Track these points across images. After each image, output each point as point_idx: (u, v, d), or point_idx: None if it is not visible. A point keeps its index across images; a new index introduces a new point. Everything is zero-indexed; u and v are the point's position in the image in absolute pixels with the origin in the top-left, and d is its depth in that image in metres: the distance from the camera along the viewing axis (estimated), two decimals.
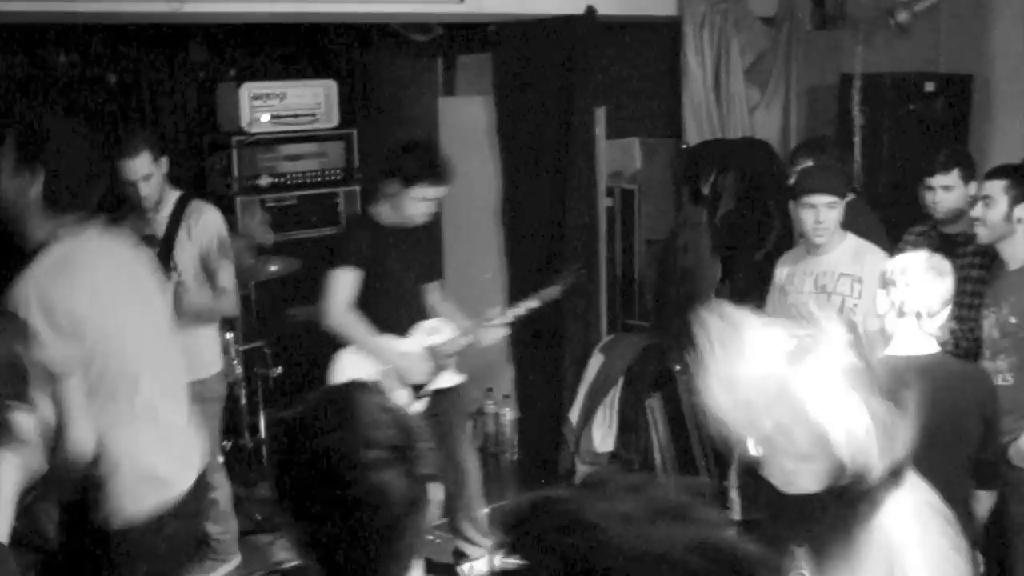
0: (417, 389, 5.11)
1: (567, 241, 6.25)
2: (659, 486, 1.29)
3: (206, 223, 5.14)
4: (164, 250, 5.01)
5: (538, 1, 6.16)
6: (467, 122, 7.10)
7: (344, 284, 4.92)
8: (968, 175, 4.94)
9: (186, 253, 5.08)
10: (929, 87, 6.38)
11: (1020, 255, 4.49)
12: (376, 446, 1.87)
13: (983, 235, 4.49)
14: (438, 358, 5.11)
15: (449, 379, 5.22)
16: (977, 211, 4.47)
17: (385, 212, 5.01)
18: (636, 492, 1.28)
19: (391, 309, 5.02)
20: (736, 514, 5.86)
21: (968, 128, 6.52)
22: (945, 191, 4.90)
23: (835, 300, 4.64)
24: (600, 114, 6.53)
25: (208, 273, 5.11)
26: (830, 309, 4.62)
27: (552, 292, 5.39)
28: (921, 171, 4.99)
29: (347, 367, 4.97)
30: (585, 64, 6.22)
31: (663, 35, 6.91)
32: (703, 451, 6.12)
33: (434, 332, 5.15)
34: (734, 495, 5.86)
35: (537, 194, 6.44)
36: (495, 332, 5.26)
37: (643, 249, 7.14)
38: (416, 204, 4.92)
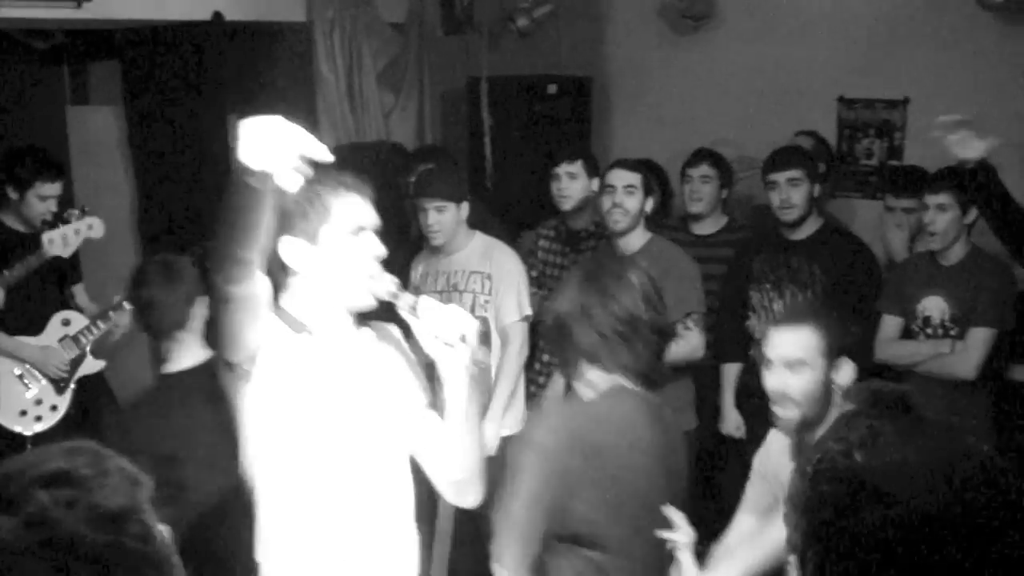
0: (60, 382, 5.22)
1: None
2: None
3: None
4: None
5: (164, 6, 5.99)
6: (98, 132, 6.86)
7: None
8: (592, 169, 5.24)
9: None
10: (552, 89, 6.70)
11: (631, 245, 4.81)
12: None
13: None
14: (74, 347, 5.23)
15: (90, 366, 5.34)
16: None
17: (11, 220, 5.18)
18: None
19: (21, 311, 5.07)
20: None
21: (590, 127, 6.89)
22: (570, 178, 5.17)
23: (467, 298, 4.79)
24: (233, 121, 6.46)
25: None
26: (462, 306, 4.78)
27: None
28: (549, 165, 5.25)
29: None
30: (215, 70, 6.15)
31: (295, 40, 6.91)
32: None
33: (67, 323, 5.28)
34: None
35: (172, 203, 6.31)
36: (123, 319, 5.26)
37: None
38: (38, 205, 5.09)
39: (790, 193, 4.77)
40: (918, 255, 4.81)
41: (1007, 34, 5.56)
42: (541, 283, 5.19)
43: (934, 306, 4.57)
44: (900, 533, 1.31)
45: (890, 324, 4.67)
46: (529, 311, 4.86)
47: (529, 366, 5.05)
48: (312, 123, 6.76)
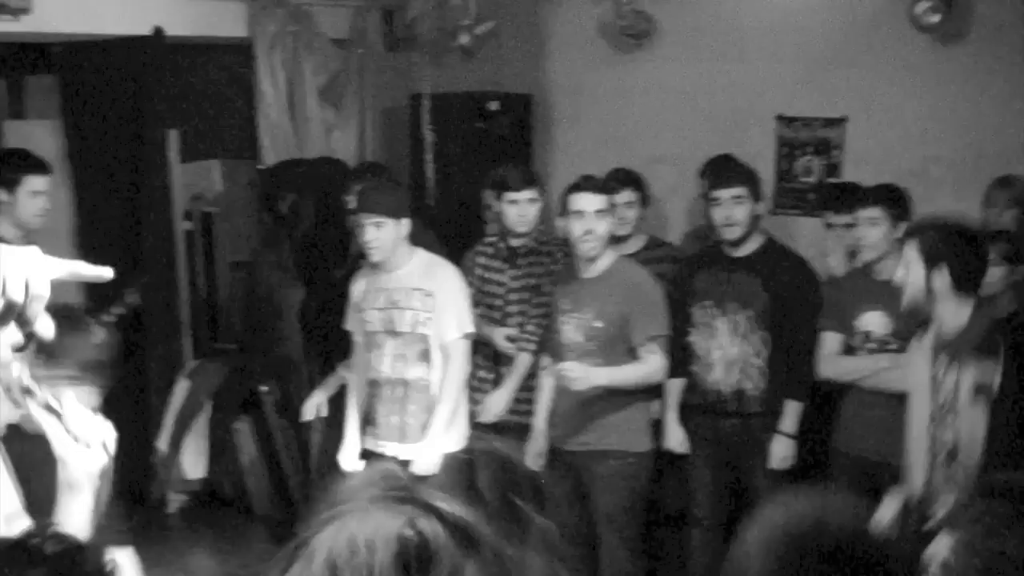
0: None
1: (143, 265, 6.09)
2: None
3: None
4: None
5: (103, 21, 5.94)
6: (36, 147, 6.74)
7: None
8: (542, 190, 5.26)
9: None
10: (493, 106, 6.72)
11: (597, 266, 4.78)
12: None
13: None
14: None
15: None
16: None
17: (5, 228, 5.02)
18: None
19: None
20: None
21: (531, 144, 6.92)
22: (531, 203, 5.17)
23: (407, 315, 4.77)
24: (173, 136, 6.43)
25: None
26: (402, 324, 4.78)
27: (132, 297, 5.52)
28: (502, 187, 5.21)
29: None
30: (155, 86, 6.10)
31: (236, 56, 6.89)
32: (294, 467, 6.15)
33: None
34: None
35: (111, 219, 6.25)
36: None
37: (227, 271, 7.08)
38: (30, 203, 5.02)
39: (733, 211, 4.79)
40: (854, 271, 4.86)
41: (942, 54, 5.65)
42: (478, 300, 5.19)
43: (873, 321, 4.63)
44: None
45: (831, 340, 4.71)
46: (471, 328, 4.86)
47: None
48: (252, 139, 6.74)
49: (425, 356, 4.80)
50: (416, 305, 4.78)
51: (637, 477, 4.80)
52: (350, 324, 5.03)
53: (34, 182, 5.00)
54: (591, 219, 4.67)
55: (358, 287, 4.98)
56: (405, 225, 4.76)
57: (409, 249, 4.84)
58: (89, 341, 3.12)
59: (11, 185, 4.96)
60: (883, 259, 4.59)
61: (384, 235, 4.71)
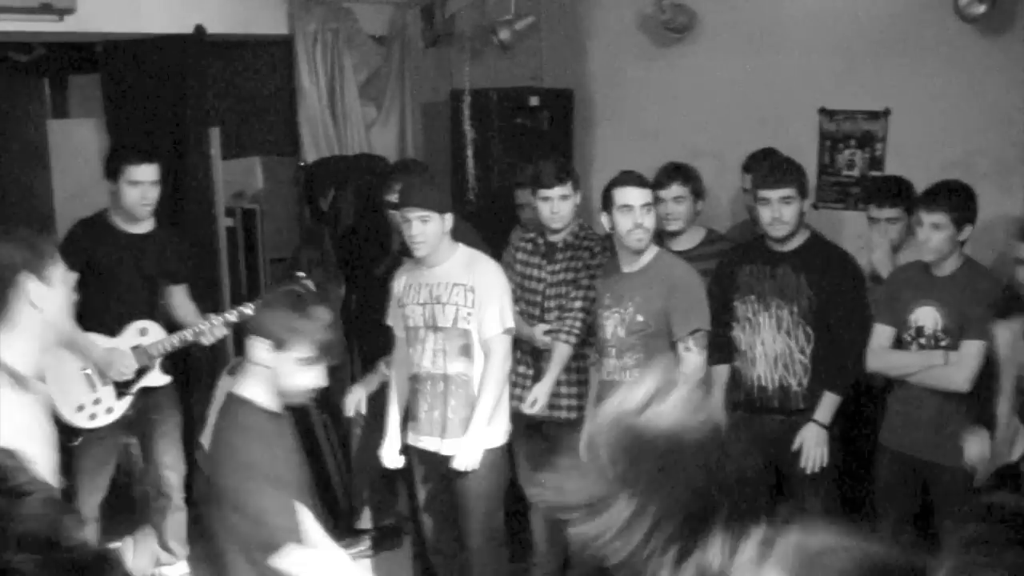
0: (122, 387, 5.30)
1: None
2: None
3: None
4: None
5: (145, 20, 5.99)
6: (79, 145, 6.85)
7: None
8: (577, 185, 5.24)
9: None
10: (534, 101, 6.71)
11: (639, 260, 4.80)
12: None
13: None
14: (144, 357, 5.31)
15: (155, 379, 5.42)
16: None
17: (119, 220, 5.35)
18: None
19: (104, 307, 5.17)
20: (367, 523, 5.99)
21: (572, 139, 6.90)
22: (563, 200, 5.15)
23: (449, 310, 4.78)
24: (214, 134, 6.46)
25: None
26: (444, 319, 4.78)
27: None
28: (537, 183, 5.20)
29: None
30: (196, 83, 6.14)
31: (276, 53, 6.91)
32: (335, 463, 6.17)
33: (144, 332, 5.35)
34: (366, 509, 6.00)
35: (154, 216, 6.28)
36: (215, 332, 5.37)
37: (268, 268, 7.11)
38: (130, 192, 5.27)
39: (783, 211, 4.75)
40: (910, 265, 4.78)
41: (987, 45, 5.58)
42: (518, 296, 5.19)
43: (927, 316, 4.57)
44: None
45: (882, 333, 4.67)
46: (512, 323, 4.86)
47: None
48: (293, 136, 6.77)
49: (466, 351, 4.80)
50: (458, 300, 4.78)
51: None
52: (391, 319, 5.05)
53: (132, 172, 5.26)
54: (639, 213, 4.70)
55: (400, 282, 4.99)
56: (449, 220, 4.77)
57: (451, 244, 4.84)
58: (319, 323, 3.36)
59: (114, 175, 5.29)
60: (945, 259, 4.54)
61: (429, 230, 4.72)
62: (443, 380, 4.82)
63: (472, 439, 4.77)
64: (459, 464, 4.75)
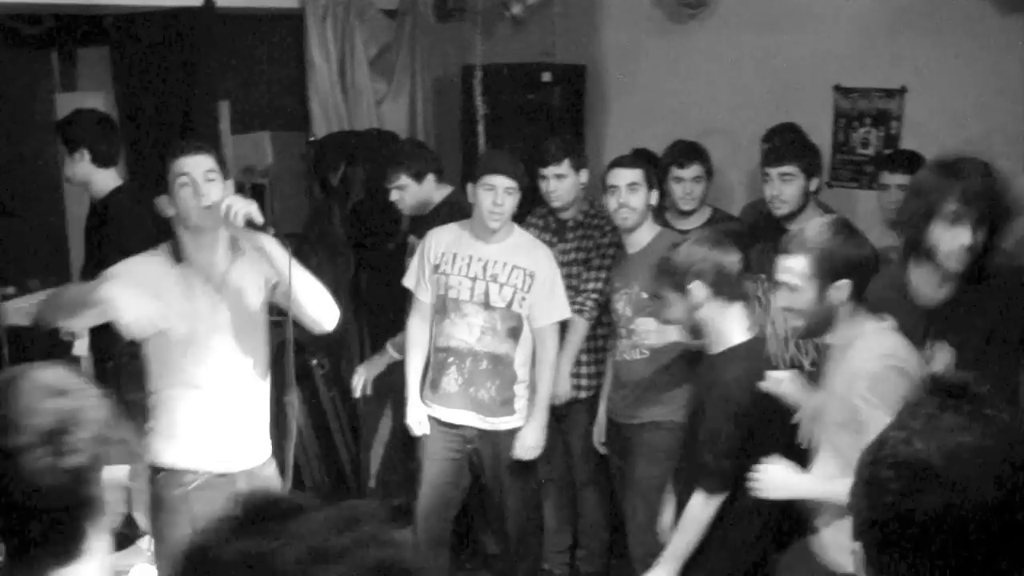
0: None
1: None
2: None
3: None
4: None
5: None
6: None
7: None
8: (579, 164, 5.19)
9: None
10: (546, 77, 6.65)
11: (640, 241, 4.80)
12: (25, 432, 1.73)
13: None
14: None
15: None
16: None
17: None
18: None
19: None
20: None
21: (583, 115, 6.84)
22: (559, 179, 5.12)
23: (506, 292, 4.76)
24: (224, 108, 6.41)
25: None
26: (498, 299, 4.75)
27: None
28: (537, 161, 5.19)
29: None
30: (206, 57, 6.08)
31: (286, 27, 6.86)
32: (344, 440, 6.16)
33: None
34: (372, 483, 5.97)
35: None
36: None
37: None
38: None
39: (782, 189, 4.75)
40: None
41: (1005, 22, 5.51)
42: None
43: None
44: (964, 519, 1.29)
45: None
46: (568, 314, 4.91)
47: None
48: (303, 110, 6.72)
49: (515, 334, 4.79)
50: (516, 283, 4.77)
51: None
52: (409, 280, 4.97)
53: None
54: (624, 192, 4.75)
55: (435, 246, 4.89)
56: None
57: (511, 224, 4.85)
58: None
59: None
60: None
61: (511, 203, 4.71)
62: (487, 359, 4.79)
63: (537, 425, 4.81)
64: (521, 453, 4.81)
